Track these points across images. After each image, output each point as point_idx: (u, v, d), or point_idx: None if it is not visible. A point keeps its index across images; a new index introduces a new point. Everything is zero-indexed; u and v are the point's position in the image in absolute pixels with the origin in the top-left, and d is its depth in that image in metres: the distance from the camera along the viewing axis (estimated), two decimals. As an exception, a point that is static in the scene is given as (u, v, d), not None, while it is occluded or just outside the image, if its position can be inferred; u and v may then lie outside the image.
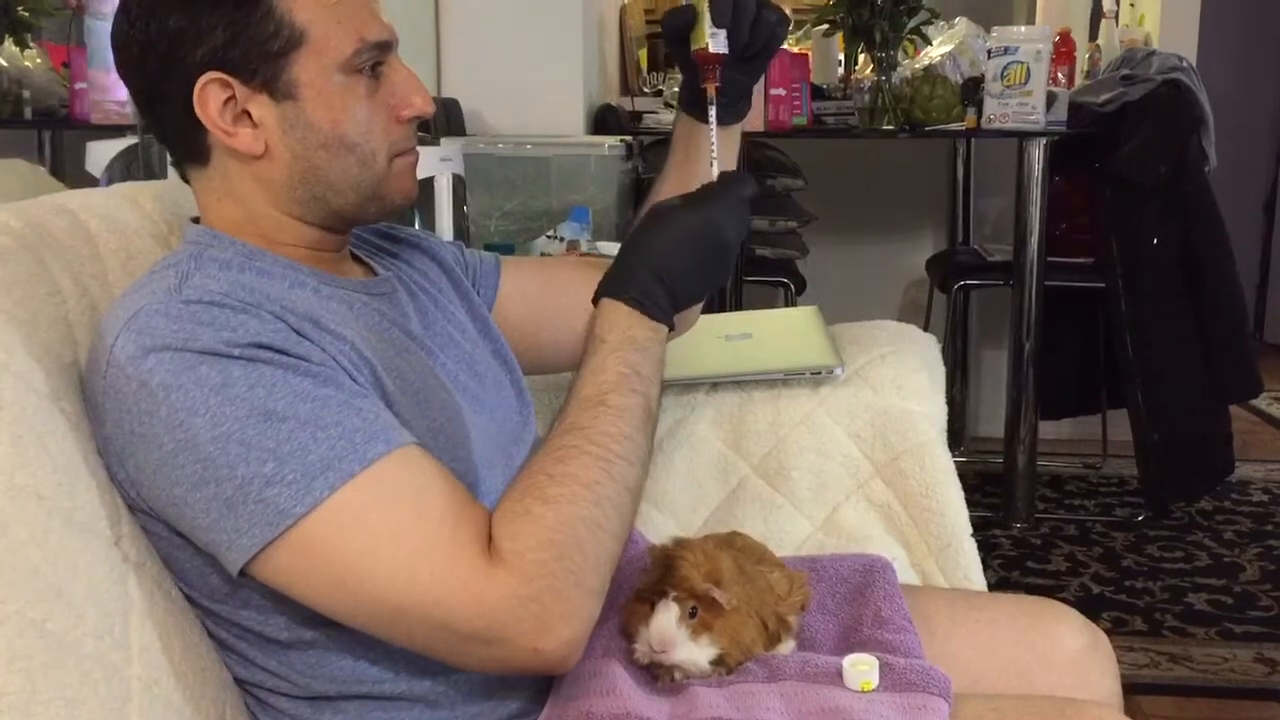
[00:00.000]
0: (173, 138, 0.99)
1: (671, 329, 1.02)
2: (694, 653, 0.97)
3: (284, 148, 0.96)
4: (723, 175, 1.05)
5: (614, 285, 1.01)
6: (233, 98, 0.94)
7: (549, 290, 1.26)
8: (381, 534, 0.84)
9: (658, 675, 0.99)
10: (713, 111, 1.11)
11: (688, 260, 1.01)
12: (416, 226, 1.85)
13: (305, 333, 0.90)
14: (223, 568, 0.88)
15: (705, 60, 1.10)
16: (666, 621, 0.97)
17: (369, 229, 1.16)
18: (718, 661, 0.98)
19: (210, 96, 0.94)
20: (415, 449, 0.89)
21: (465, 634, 0.85)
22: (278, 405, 0.84)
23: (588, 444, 0.91)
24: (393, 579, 0.84)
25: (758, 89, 2.86)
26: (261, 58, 0.94)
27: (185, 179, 1.02)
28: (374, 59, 0.97)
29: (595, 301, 1.02)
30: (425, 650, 0.89)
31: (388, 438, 0.87)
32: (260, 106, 0.95)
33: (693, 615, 0.97)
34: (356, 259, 1.10)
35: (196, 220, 1.03)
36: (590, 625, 0.88)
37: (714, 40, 1.09)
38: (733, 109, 1.18)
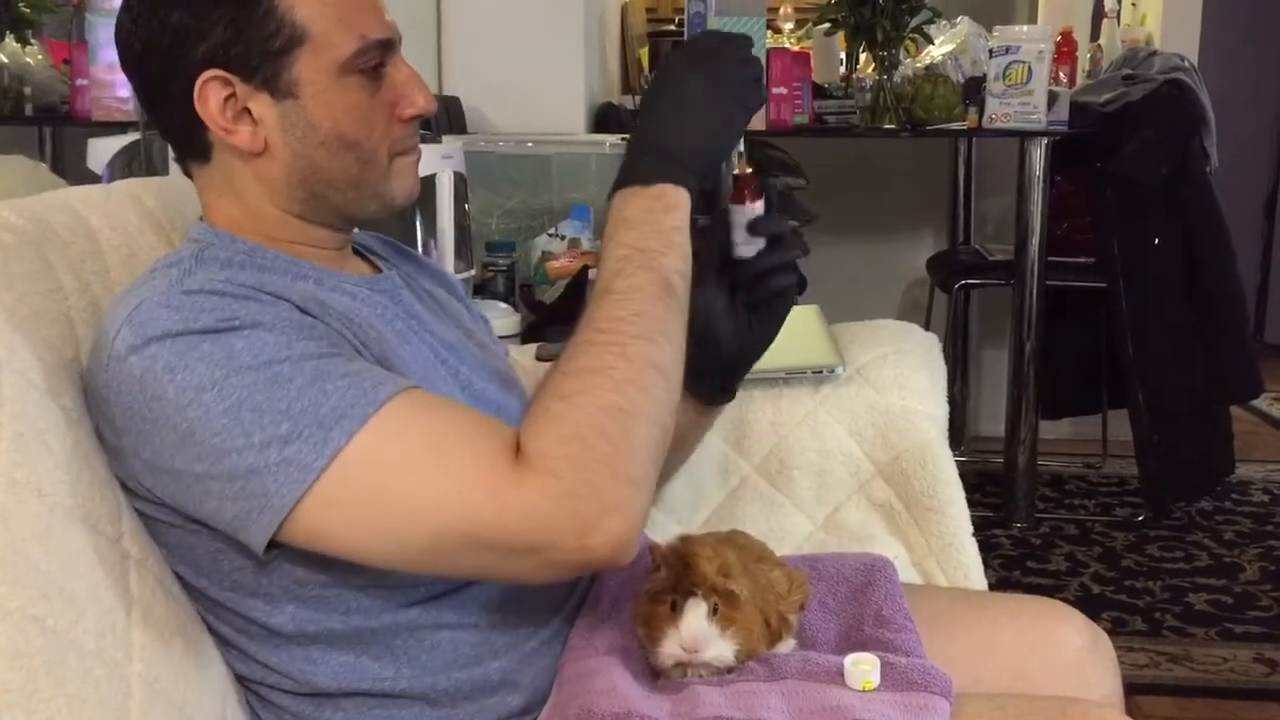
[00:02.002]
0: (175, 134, 1.00)
1: (685, 186, 0.98)
2: (722, 648, 0.97)
3: (284, 146, 0.96)
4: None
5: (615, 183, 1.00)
6: (233, 95, 0.94)
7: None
8: (403, 467, 0.84)
9: (671, 675, 0.99)
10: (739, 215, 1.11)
11: (665, 112, 0.99)
12: (418, 225, 1.85)
13: (310, 309, 0.91)
14: (241, 548, 0.88)
15: (744, 186, 1.10)
16: (699, 620, 0.97)
17: (381, 241, 1.16)
18: (739, 656, 0.98)
19: (210, 94, 0.94)
20: (422, 389, 0.90)
21: (508, 546, 0.84)
22: (283, 368, 0.85)
23: (595, 334, 0.90)
24: (423, 507, 0.84)
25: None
26: (262, 56, 0.94)
27: (189, 175, 1.03)
28: (376, 58, 0.97)
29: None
30: (478, 574, 0.88)
31: (395, 382, 0.88)
32: (260, 104, 0.95)
33: (715, 612, 0.97)
34: (362, 258, 1.10)
35: (201, 218, 1.03)
36: (640, 516, 0.85)
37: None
38: (720, 395, 1.18)
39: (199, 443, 0.85)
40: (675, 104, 0.99)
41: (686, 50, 1.03)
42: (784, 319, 1.16)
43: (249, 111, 0.95)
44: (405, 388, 0.87)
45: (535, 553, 0.84)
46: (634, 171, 0.98)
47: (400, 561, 0.88)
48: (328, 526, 0.85)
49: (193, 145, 0.99)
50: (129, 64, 0.97)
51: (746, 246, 1.11)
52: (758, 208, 1.11)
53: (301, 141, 0.96)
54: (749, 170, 1.11)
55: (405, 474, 0.84)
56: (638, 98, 3.54)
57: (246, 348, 0.85)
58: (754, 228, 1.11)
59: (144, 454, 0.88)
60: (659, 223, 0.96)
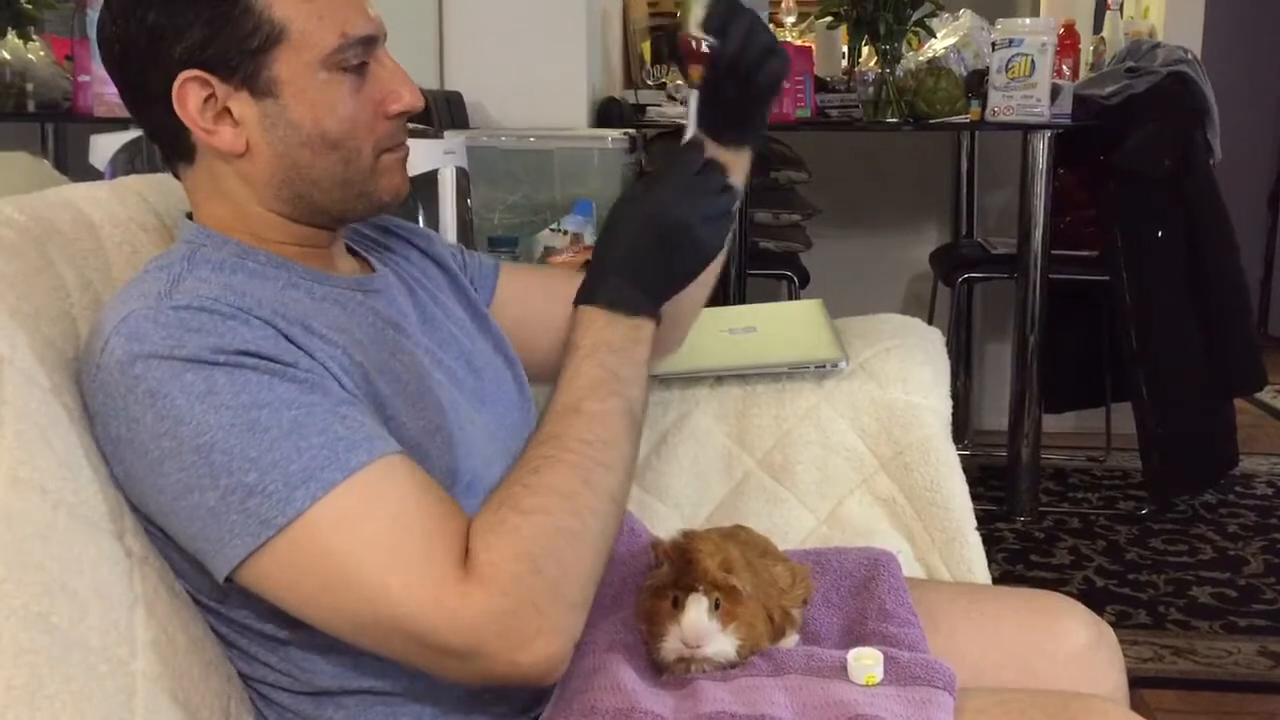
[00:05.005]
0: (158, 136, 0.99)
1: (657, 321, 0.99)
2: (723, 644, 0.97)
3: (266, 145, 0.95)
4: (673, 153, 1.01)
5: (585, 291, 0.99)
6: (212, 96, 0.93)
7: (543, 300, 1.23)
8: (358, 545, 0.84)
9: (675, 670, 0.99)
10: (693, 99, 1.07)
11: (646, 250, 0.98)
12: (420, 219, 1.85)
13: (295, 338, 0.90)
14: None
15: (687, 51, 1.06)
16: (700, 616, 0.97)
17: (366, 223, 1.15)
18: (741, 651, 0.98)
19: (189, 94, 0.93)
20: (399, 458, 0.88)
21: (440, 648, 0.84)
22: (261, 414, 0.84)
23: (564, 453, 0.90)
24: (368, 592, 0.84)
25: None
26: (240, 55, 0.92)
27: (176, 176, 1.02)
28: (358, 55, 0.95)
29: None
30: (404, 662, 0.88)
31: (370, 447, 0.86)
32: (241, 104, 0.94)
33: (717, 607, 0.97)
34: (352, 252, 1.09)
35: (190, 215, 1.03)
36: (572, 639, 0.87)
37: (704, 42, 1.06)
38: (730, 132, 1.14)
39: (166, 474, 0.84)
40: (665, 236, 0.98)
41: (676, 177, 1.00)
42: (775, 90, 1.12)
43: (230, 112, 0.94)
44: (380, 455, 0.86)
45: (466, 660, 0.84)
46: (618, 297, 0.97)
47: (337, 631, 0.87)
48: (274, 582, 0.85)
49: (176, 146, 0.98)
50: (110, 64, 0.96)
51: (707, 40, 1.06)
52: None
53: (284, 141, 0.95)
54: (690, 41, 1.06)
55: (359, 553, 0.84)
56: (639, 92, 3.55)
57: (228, 384, 0.84)
58: (709, 24, 1.06)
59: (117, 469, 0.89)
60: (634, 354, 0.97)
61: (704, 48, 1.06)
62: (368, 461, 0.85)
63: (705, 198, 0.99)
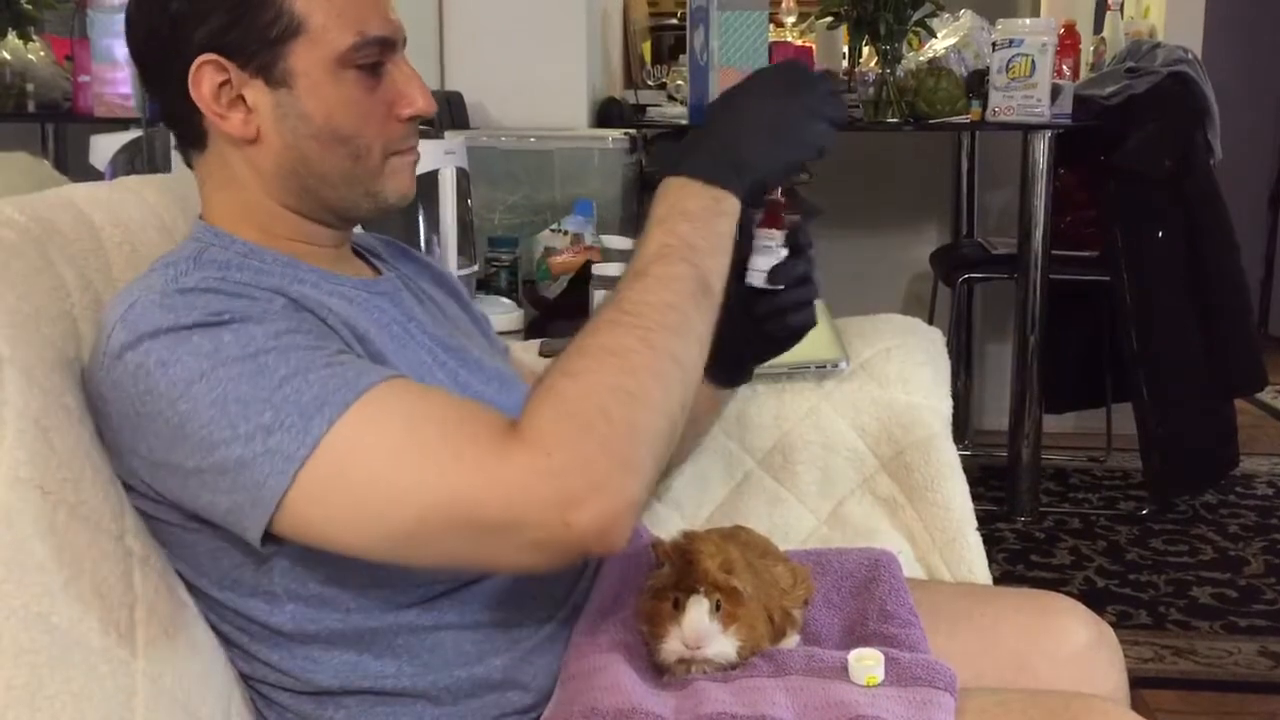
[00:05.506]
0: (174, 121, 1.00)
1: (744, 200, 0.97)
2: (724, 645, 0.97)
3: (276, 135, 0.96)
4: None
5: (672, 162, 0.98)
6: (228, 82, 0.95)
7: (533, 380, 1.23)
8: (384, 451, 0.83)
9: (675, 671, 0.99)
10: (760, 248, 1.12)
11: (751, 129, 0.98)
12: (420, 220, 1.85)
13: (304, 305, 0.91)
14: (240, 546, 0.88)
15: (772, 208, 1.11)
16: (700, 617, 0.97)
17: (383, 243, 1.15)
18: (742, 652, 0.98)
19: (205, 78, 0.94)
20: (407, 379, 0.89)
21: (492, 522, 0.81)
22: (268, 358, 0.85)
23: (621, 314, 0.88)
24: (405, 490, 0.83)
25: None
26: (259, 43, 0.94)
27: (190, 165, 1.03)
28: (374, 55, 0.97)
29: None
30: (467, 561, 0.87)
31: (379, 370, 0.87)
32: (255, 92, 0.95)
33: (717, 608, 0.97)
34: (362, 259, 1.10)
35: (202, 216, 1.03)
36: (632, 504, 0.82)
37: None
38: (723, 371, 1.18)
39: (189, 436, 0.85)
40: (765, 119, 0.99)
41: (787, 71, 1.03)
42: (799, 340, 1.18)
43: (243, 99, 0.95)
44: (389, 376, 0.87)
45: (517, 530, 0.81)
46: (704, 165, 0.96)
47: (388, 551, 0.86)
48: (314, 516, 0.85)
49: (189, 132, 0.99)
50: (134, 48, 0.98)
51: (758, 275, 1.12)
52: (778, 237, 1.12)
53: (293, 132, 0.96)
54: (781, 198, 1.11)
55: (387, 459, 0.83)
56: (640, 92, 3.54)
57: (234, 340, 0.85)
58: (775, 275, 1.12)
59: (141, 450, 0.88)
60: (713, 225, 0.94)
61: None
62: (376, 381, 0.86)
63: (826, 99, 1.01)
